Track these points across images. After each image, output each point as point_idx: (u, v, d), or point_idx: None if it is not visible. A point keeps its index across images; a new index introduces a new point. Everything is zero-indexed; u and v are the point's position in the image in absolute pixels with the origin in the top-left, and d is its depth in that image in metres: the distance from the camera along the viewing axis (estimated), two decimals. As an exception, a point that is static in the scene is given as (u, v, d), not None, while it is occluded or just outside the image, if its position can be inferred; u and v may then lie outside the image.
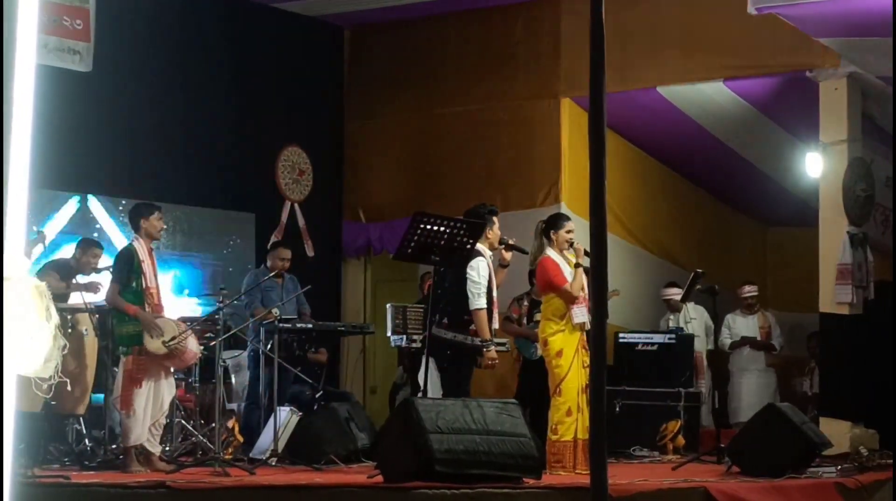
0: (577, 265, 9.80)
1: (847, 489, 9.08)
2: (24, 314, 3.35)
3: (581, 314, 9.62)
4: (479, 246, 9.56)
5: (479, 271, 9.56)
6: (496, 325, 9.87)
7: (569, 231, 9.89)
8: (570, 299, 9.60)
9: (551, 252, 9.78)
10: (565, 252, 9.89)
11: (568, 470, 9.34)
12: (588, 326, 9.66)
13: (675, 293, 13.50)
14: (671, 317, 13.91)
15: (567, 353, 9.59)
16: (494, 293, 9.82)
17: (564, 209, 13.35)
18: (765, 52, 12.58)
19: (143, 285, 9.83)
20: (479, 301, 9.57)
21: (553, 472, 9.24)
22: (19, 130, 3.06)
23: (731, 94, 13.38)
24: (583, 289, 9.73)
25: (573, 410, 9.51)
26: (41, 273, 10.66)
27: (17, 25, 3.10)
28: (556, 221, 10.01)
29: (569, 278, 9.70)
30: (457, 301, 9.64)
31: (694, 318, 13.73)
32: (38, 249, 10.95)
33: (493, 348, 9.56)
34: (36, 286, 3.36)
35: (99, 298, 10.52)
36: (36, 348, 3.37)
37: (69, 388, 7.89)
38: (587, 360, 9.68)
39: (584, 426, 9.39)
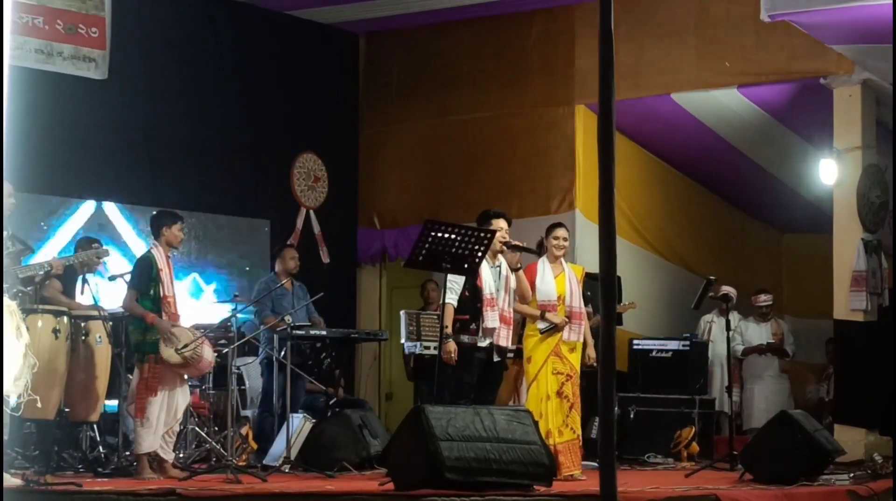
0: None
1: (859, 496, 9.04)
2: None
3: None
4: None
5: None
6: (490, 324, 9.81)
7: (556, 238, 10.08)
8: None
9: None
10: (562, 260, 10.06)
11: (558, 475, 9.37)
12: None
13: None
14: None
15: (536, 358, 9.79)
16: (486, 292, 9.78)
17: (579, 216, 13.36)
18: (779, 60, 12.58)
19: (161, 294, 9.85)
20: (448, 296, 9.62)
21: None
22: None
23: (746, 100, 13.38)
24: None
25: (536, 414, 9.52)
26: (46, 284, 10.68)
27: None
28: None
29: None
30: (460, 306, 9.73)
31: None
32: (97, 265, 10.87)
33: (451, 341, 9.56)
34: (7, 306, 3.38)
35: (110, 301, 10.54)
36: (6, 366, 3.40)
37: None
38: (559, 366, 9.79)
39: (545, 430, 9.40)
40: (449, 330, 9.63)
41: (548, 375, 9.74)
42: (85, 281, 10.53)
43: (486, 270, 9.89)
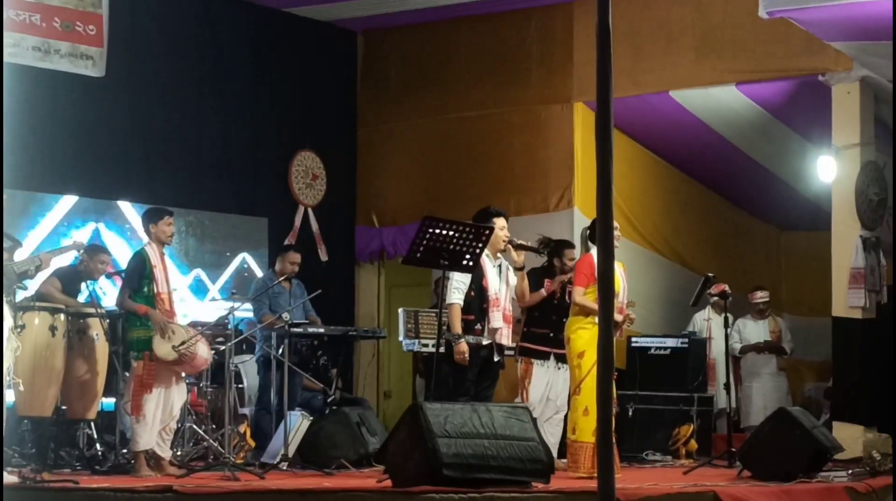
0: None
1: (857, 493, 9.04)
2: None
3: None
4: None
5: None
6: (496, 324, 9.84)
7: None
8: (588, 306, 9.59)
9: (595, 252, 9.68)
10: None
11: (584, 472, 9.33)
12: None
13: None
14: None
15: (590, 353, 9.49)
16: (491, 293, 9.82)
17: (577, 214, 13.35)
18: (777, 56, 12.57)
19: (155, 291, 9.83)
20: (452, 297, 9.68)
21: (572, 472, 9.28)
22: None
23: (744, 98, 13.36)
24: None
25: (591, 410, 9.47)
26: (44, 282, 10.71)
27: None
28: (593, 225, 9.96)
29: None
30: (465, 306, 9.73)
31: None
32: (70, 255, 10.88)
33: (462, 341, 9.59)
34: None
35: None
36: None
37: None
38: None
39: (594, 428, 9.34)
40: (458, 331, 9.65)
41: (584, 368, 9.66)
42: (90, 288, 10.57)
43: (490, 269, 9.91)
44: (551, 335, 10.68)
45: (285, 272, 11.89)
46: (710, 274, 11.52)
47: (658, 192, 14.71)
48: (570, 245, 11.16)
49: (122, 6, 12.61)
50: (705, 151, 14.49)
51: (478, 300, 9.83)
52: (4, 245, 9.48)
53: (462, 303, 9.75)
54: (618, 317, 9.74)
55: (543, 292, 10.82)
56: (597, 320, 9.33)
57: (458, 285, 9.73)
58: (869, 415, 12.11)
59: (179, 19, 13.45)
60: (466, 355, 9.65)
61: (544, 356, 10.73)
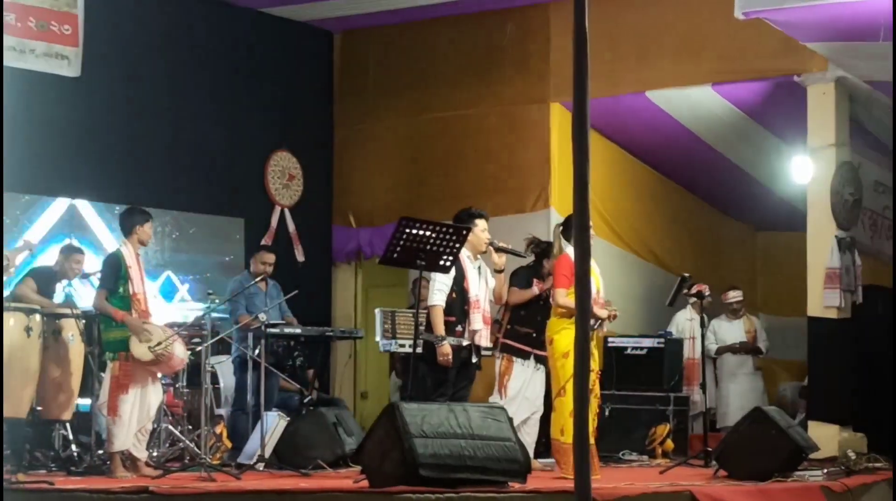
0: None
1: (833, 492, 9.09)
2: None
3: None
4: None
5: None
6: (476, 325, 9.86)
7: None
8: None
9: (569, 251, 9.66)
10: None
11: (570, 473, 9.32)
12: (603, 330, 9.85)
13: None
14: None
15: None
16: (471, 294, 9.84)
17: (553, 214, 13.37)
18: (753, 57, 12.60)
19: (131, 291, 9.81)
20: (434, 298, 9.72)
21: (563, 473, 9.31)
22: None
23: (720, 98, 13.40)
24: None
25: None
26: (20, 282, 10.68)
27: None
28: (567, 222, 9.95)
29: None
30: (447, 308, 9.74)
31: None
32: (23, 256, 10.93)
33: (445, 343, 9.61)
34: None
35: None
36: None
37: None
38: (594, 365, 9.67)
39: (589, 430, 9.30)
40: (441, 332, 9.65)
41: (566, 370, 9.65)
42: (65, 287, 10.55)
43: (471, 271, 9.92)
44: (534, 335, 10.69)
45: (259, 273, 11.87)
46: (685, 274, 11.55)
47: (634, 192, 14.74)
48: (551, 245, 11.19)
49: (98, 6, 12.56)
50: (681, 151, 14.52)
51: (459, 302, 9.84)
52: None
53: (444, 305, 9.76)
54: (602, 312, 9.77)
55: (535, 290, 10.82)
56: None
57: (440, 286, 9.74)
58: (844, 414, 12.15)
59: (155, 19, 13.40)
60: (450, 357, 9.67)
61: (526, 355, 10.73)
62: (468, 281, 9.86)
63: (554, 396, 9.70)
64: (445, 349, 9.66)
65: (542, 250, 11.02)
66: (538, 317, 10.72)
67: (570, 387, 9.49)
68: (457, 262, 9.66)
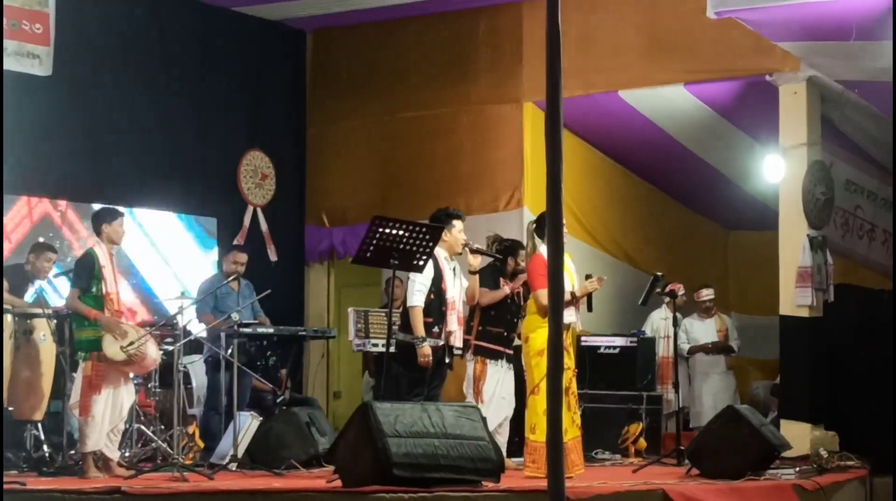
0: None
1: (805, 491, 9.13)
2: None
3: (568, 314, 9.57)
4: None
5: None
6: (452, 326, 9.87)
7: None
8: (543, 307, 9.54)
9: (543, 249, 9.66)
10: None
11: (542, 472, 9.30)
12: (578, 327, 9.86)
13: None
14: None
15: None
16: (448, 296, 9.85)
17: (526, 213, 13.37)
18: (725, 57, 12.63)
19: (104, 291, 9.78)
20: (414, 299, 9.70)
21: (529, 472, 9.28)
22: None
23: (692, 98, 13.42)
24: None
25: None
26: None
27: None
28: (539, 220, 9.92)
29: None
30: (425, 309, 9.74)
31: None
32: None
33: (426, 344, 9.60)
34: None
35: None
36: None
37: None
38: (570, 362, 9.68)
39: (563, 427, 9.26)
40: (422, 333, 9.63)
41: (540, 369, 9.64)
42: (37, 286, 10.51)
43: (448, 272, 9.91)
44: (505, 334, 10.70)
45: (230, 272, 11.84)
46: (658, 273, 11.57)
47: (607, 192, 14.76)
48: (524, 246, 11.18)
49: (69, 5, 12.50)
50: (654, 150, 14.54)
51: (437, 303, 9.83)
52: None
53: (423, 305, 9.74)
54: (591, 286, 9.75)
55: (507, 290, 10.80)
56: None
57: (420, 287, 9.72)
58: (816, 413, 12.19)
59: (127, 18, 13.35)
60: (431, 358, 9.67)
61: (499, 356, 10.72)
62: (445, 282, 9.86)
63: (528, 394, 9.70)
64: (426, 350, 9.65)
65: (505, 247, 11.00)
66: (508, 316, 10.74)
67: (543, 385, 9.50)
68: (435, 263, 9.66)
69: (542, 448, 9.37)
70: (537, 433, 9.44)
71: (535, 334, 9.52)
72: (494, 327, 10.73)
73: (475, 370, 10.61)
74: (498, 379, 10.68)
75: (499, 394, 10.65)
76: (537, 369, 9.45)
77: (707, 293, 14.12)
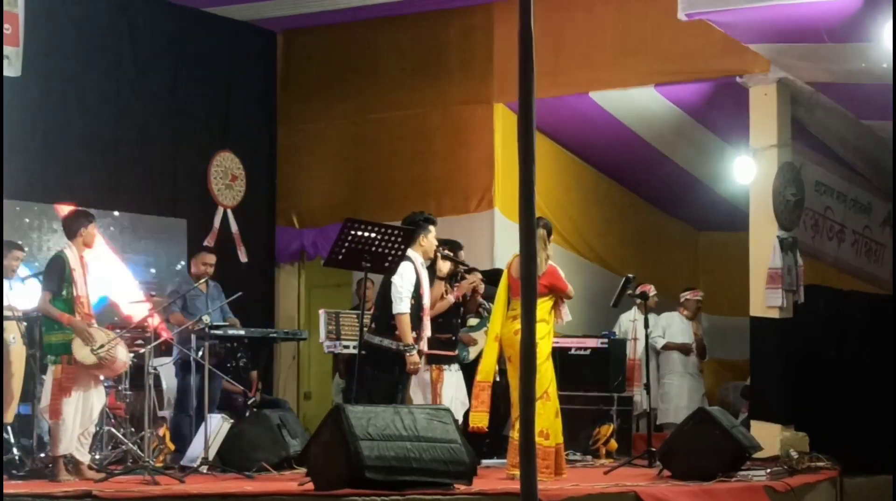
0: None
1: (776, 492, 9.16)
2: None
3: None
4: (410, 252, 9.56)
5: (404, 275, 9.57)
6: (427, 332, 9.86)
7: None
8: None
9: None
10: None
11: (551, 477, 9.27)
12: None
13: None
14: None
15: (542, 348, 9.59)
16: (425, 301, 9.82)
17: (497, 215, 13.38)
18: (695, 58, 12.67)
19: (74, 294, 9.74)
20: (400, 306, 9.61)
21: (543, 476, 9.17)
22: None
23: (663, 99, 13.45)
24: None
25: (559, 412, 9.55)
26: None
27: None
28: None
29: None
30: (384, 306, 9.66)
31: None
32: None
33: (414, 352, 9.57)
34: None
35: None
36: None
37: None
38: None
39: (539, 429, 9.28)
40: (410, 341, 9.58)
41: (548, 373, 9.67)
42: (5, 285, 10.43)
43: (425, 278, 9.88)
44: (453, 338, 10.72)
45: (199, 274, 11.78)
46: (630, 275, 11.59)
47: (578, 193, 14.77)
48: (461, 246, 11.18)
49: (39, 5, 12.43)
50: (624, 152, 14.57)
51: (415, 308, 9.78)
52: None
53: (408, 311, 9.66)
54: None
55: (451, 298, 10.76)
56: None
57: (405, 293, 9.65)
58: (786, 414, 12.23)
59: (97, 18, 13.30)
60: (419, 365, 9.66)
61: (451, 361, 10.73)
62: (423, 288, 9.83)
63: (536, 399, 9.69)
64: (415, 358, 9.62)
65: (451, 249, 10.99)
66: (453, 320, 10.76)
67: (552, 391, 9.54)
68: (413, 268, 9.64)
69: (552, 452, 9.38)
70: (551, 438, 9.44)
71: (542, 341, 9.52)
72: (443, 333, 10.69)
73: (432, 376, 10.59)
74: (453, 383, 10.69)
75: (458, 398, 10.65)
76: (543, 376, 9.46)
77: (698, 295, 14.04)
